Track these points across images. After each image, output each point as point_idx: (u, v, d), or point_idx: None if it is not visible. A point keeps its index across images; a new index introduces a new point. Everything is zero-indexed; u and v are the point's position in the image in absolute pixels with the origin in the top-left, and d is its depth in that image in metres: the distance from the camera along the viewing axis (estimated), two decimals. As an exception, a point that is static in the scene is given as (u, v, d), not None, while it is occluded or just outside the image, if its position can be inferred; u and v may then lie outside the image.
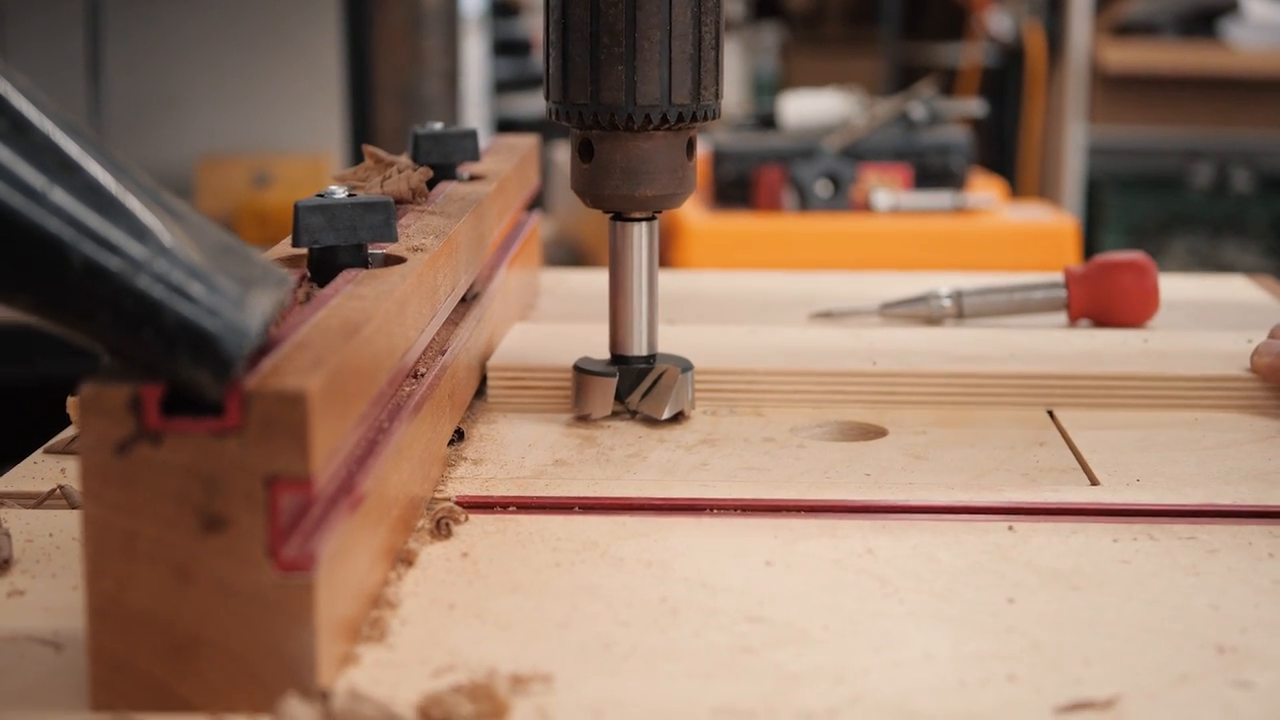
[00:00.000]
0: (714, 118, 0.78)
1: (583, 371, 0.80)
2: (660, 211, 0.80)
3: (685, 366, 0.81)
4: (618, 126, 0.76)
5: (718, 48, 0.77)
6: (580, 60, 0.76)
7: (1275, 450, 0.76)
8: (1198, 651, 0.54)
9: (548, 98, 0.78)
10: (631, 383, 0.80)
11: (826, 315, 1.03)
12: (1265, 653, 0.54)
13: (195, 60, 3.41)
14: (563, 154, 2.22)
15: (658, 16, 0.75)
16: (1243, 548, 0.64)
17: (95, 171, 0.49)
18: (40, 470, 0.73)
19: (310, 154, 3.23)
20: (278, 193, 3.04)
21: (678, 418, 0.81)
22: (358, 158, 2.56)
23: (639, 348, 0.81)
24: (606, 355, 0.82)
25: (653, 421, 0.80)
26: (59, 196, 0.47)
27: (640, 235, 0.80)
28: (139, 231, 0.49)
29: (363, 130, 2.56)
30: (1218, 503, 0.69)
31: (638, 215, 0.79)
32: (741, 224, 1.92)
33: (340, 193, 0.68)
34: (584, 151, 0.78)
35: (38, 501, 0.70)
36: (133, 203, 0.49)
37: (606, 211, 0.80)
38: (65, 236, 0.47)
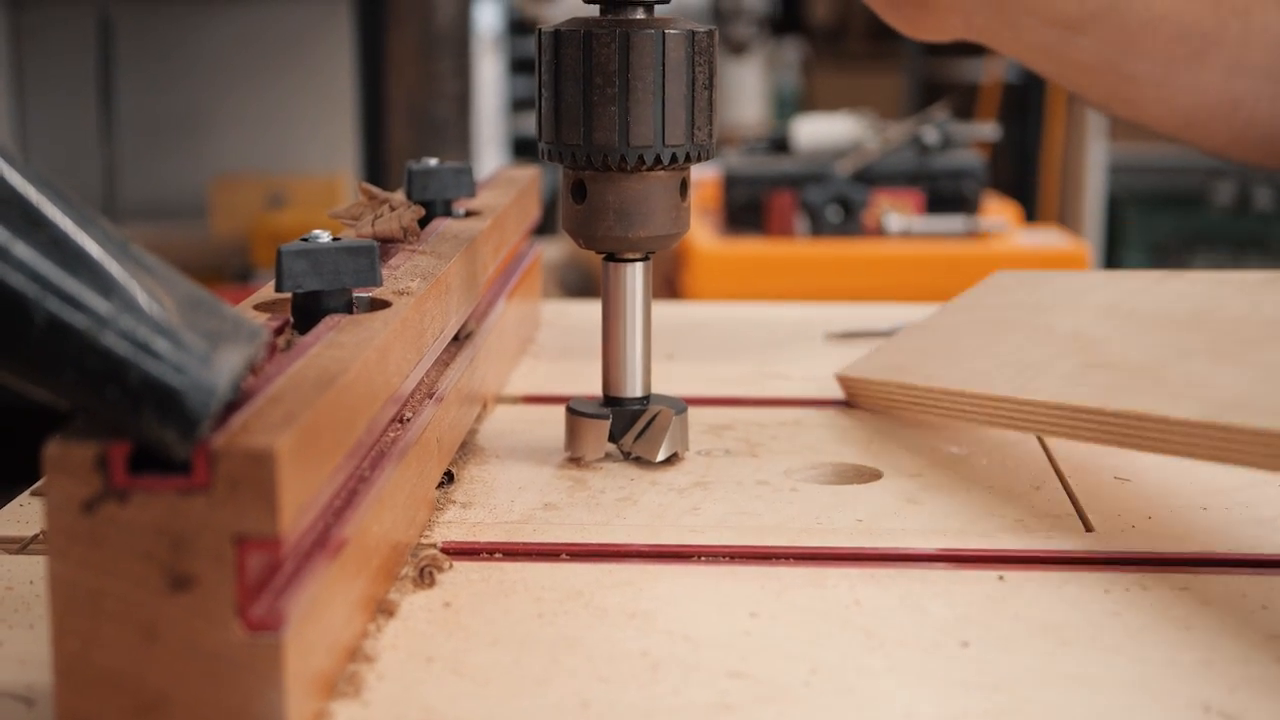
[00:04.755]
0: (708, 158, 0.77)
1: (575, 413, 0.80)
2: (654, 252, 0.79)
3: (680, 408, 0.80)
4: (610, 167, 0.75)
5: (711, 88, 0.76)
6: (572, 101, 0.75)
7: (1276, 494, 0.75)
8: (1184, 710, 0.53)
9: (540, 138, 0.77)
10: (625, 425, 0.79)
11: (842, 337, 1.05)
12: (1252, 713, 0.53)
13: (209, 81, 3.42)
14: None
15: (650, 57, 0.74)
16: (1236, 599, 0.63)
17: (62, 225, 0.48)
18: (26, 513, 0.73)
19: (324, 175, 3.24)
20: (292, 213, 3.05)
21: (672, 459, 0.80)
22: (371, 178, 2.56)
23: (632, 389, 0.80)
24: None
25: (647, 463, 0.79)
26: (22, 251, 0.47)
27: (634, 276, 0.79)
28: (105, 287, 0.48)
29: (376, 152, 2.56)
30: (1213, 551, 0.68)
31: (631, 256, 0.79)
32: (752, 248, 1.91)
33: (324, 237, 0.67)
34: (576, 192, 0.78)
35: (21, 546, 0.69)
36: (99, 257, 0.48)
37: (599, 252, 0.79)
38: (29, 293, 0.47)
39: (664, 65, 0.74)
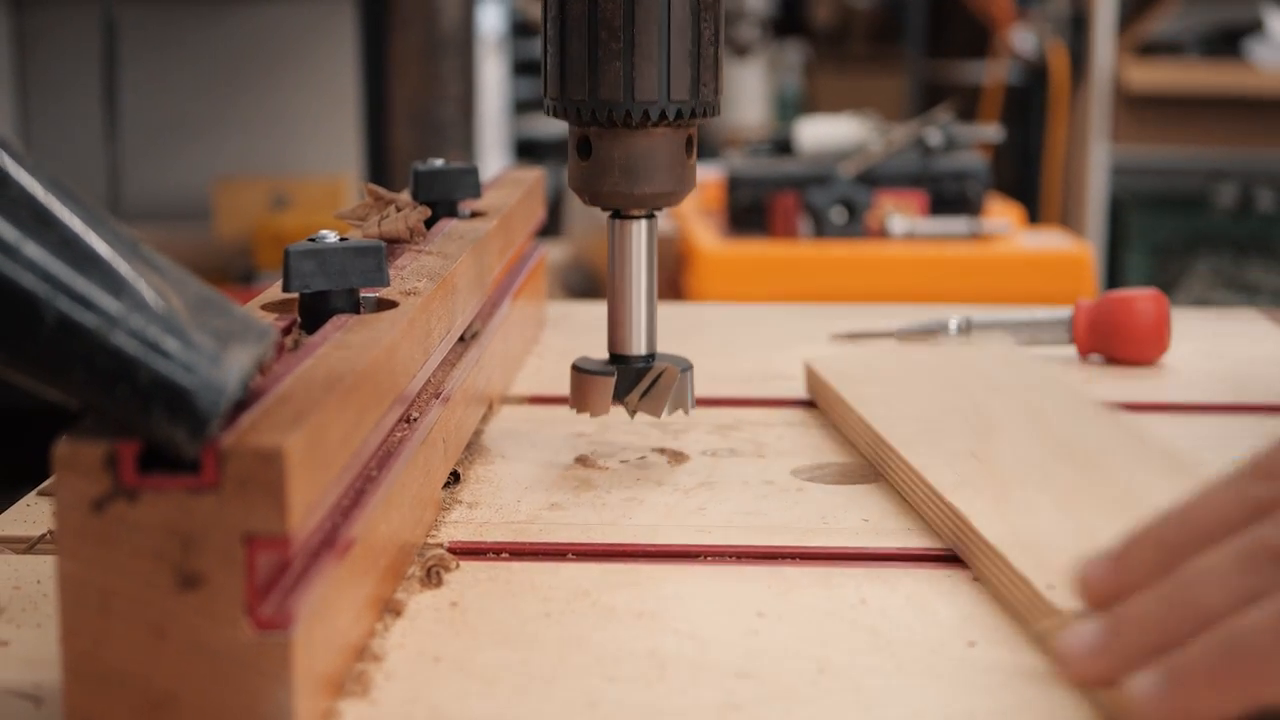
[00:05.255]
0: (713, 115, 0.77)
1: (581, 371, 0.79)
2: (659, 209, 0.79)
3: (684, 366, 0.80)
4: (616, 123, 0.75)
5: (717, 44, 0.76)
6: (578, 56, 0.75)
7: None
8: (1192, 711, 0.53)
9: (545, 94, 0.77)
10: (630, 382, 0.79)
11: (848, 337, 1.06)
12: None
13: (213, 83, 3.42)
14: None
15: (656, 12, 0.74)
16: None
17: (72, 225, 0.48)
18: (33, 513, 0.73)
19: (328, 176, 3.24)
20: (296, 215, 3.05)
21: (679, 459, 0.80)
22: (374, 180, 2.56)
23: (638, 347, 0.79)
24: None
25: (651, 463, 0.80)
26: (32, 251, 0.47)
27: (639, 233, 0.78)
28: (115, 286, 0.48)
29: (379, 153, 2.56)
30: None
31: (637, 213, 0.78)
32: (756, 250, 1.91)
33: (331, 237, 0.67)
34: (582, 149, 0.77)
35: (28, 546, 0.69)
36: (109, 257, 0.49)
37: (605, 209, 0.79)
38: (39, 292, 0.47)
39: (669, 20, 0.74)
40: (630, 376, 0.79)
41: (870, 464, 0.80)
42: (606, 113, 0.75)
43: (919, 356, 0.92)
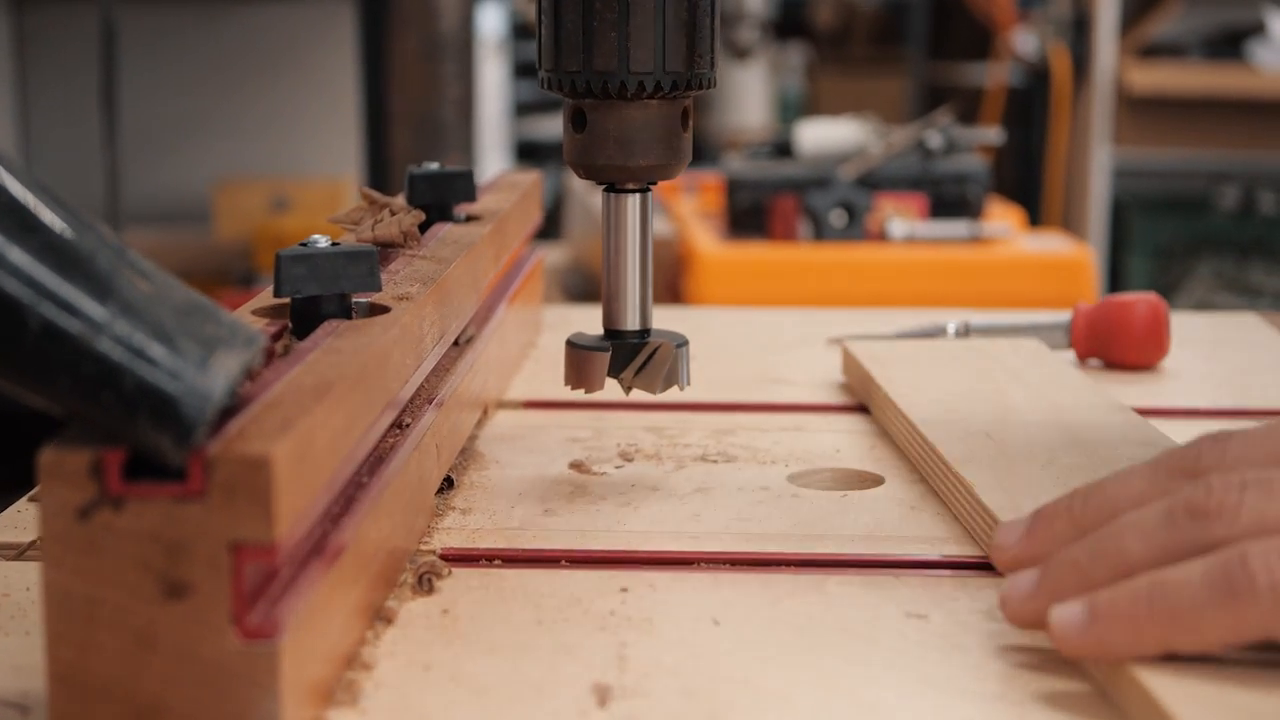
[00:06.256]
0: (709, 87, 0.76)
1: (576, 347, 0.79)
2: (654, 183, 0.78)
3: (680, 342, 0.79)
4: (610, 94, 0.74)
5: (713, 16, 0.75)
6: (573, 26, 0.74)
7: None
8: None
9: (540, 67, 0.76)
10: (625, 359, 0.78)
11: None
12: None
13: (213, 85, 3.42)
14: (579, 180, 2.21)
15: None
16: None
17: (57, 230, 0.48)
18: (23, 519, 0.72)
19: (328, 178, 3.23)
20: (296, 217, 3.04)
21: (673, 465, 0.79)
22: (374, 182, 2.56)
23: (632, 322, 0.78)
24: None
25: (645, 469, 0.79)
26: (16, 256, 0.47)
27: (634, 208, 0.78)
28: (100, 292, 0.48)
29: (379, 155, 2.55)
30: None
31: (631, 187, 0.78)
32: (755, 253, 1.91)
33: (323, 242, 0.67)
34: (577, 122, 0.76)
35: (18, 553, 0.69)
36: (95, 263, 0.48)
37: (599, 183, 0.78)
38: (23, 298, 0.46)
39: None
40: (625, 352, 0.78)
41: (896, 446, 0.84)
42: (601, 84, 0.74)
43: (951, 347, 0.97)
